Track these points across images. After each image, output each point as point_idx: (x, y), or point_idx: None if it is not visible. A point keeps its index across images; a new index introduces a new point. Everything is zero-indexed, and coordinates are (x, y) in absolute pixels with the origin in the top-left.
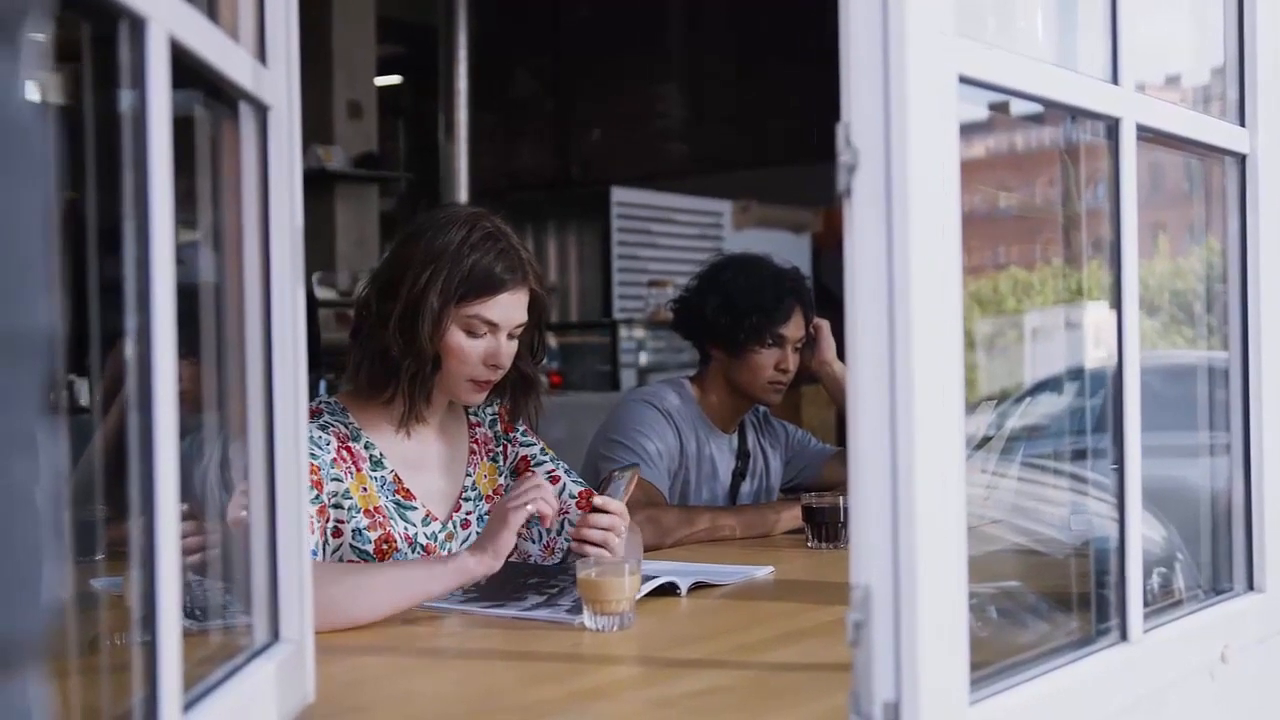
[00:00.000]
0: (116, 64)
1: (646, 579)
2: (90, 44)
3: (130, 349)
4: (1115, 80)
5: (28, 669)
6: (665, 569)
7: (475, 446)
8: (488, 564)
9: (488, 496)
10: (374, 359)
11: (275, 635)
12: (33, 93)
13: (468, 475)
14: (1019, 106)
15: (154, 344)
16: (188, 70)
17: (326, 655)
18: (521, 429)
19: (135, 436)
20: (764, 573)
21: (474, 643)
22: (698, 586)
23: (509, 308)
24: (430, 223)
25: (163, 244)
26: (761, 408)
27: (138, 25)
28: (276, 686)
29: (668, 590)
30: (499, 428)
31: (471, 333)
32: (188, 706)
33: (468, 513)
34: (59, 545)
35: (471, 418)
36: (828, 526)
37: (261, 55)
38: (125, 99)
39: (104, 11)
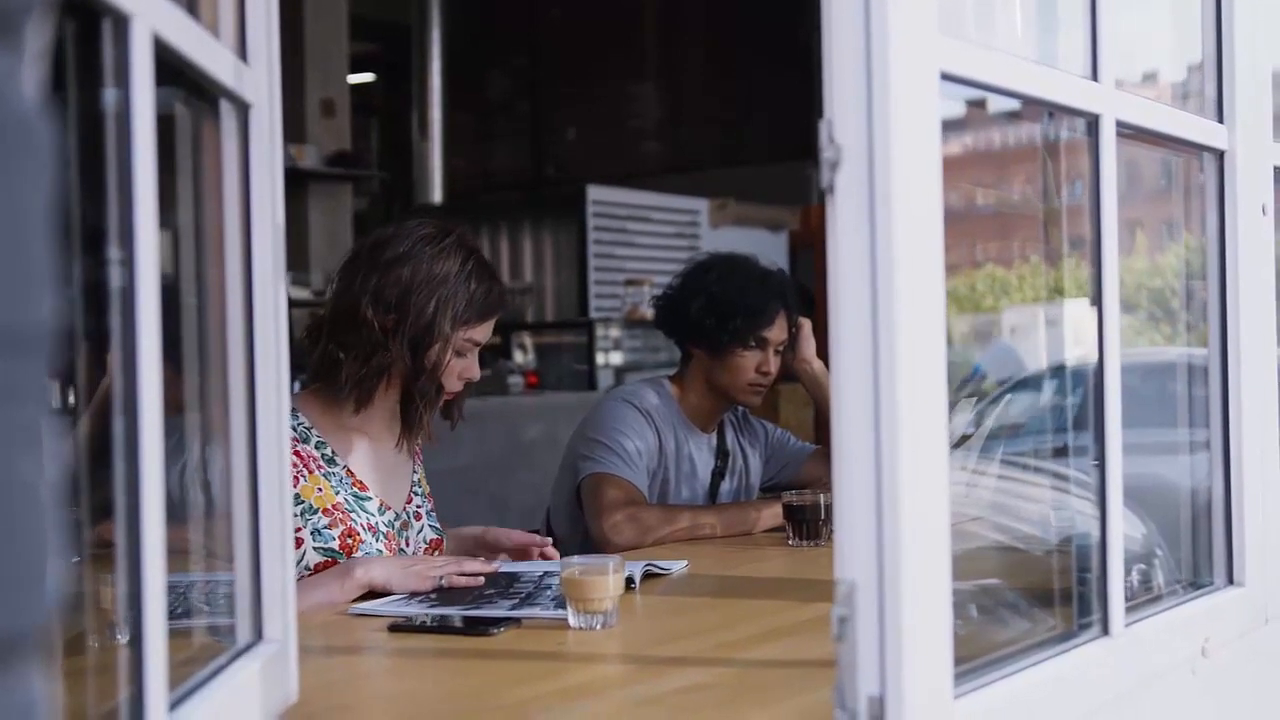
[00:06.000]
0: (99, 61)
1: None
2: (72, 40)
3: (114, 350)
4: (1095, 77)
5: (34, 663)
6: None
7: (417, 449)
8: (380, 577)
9: (428, 495)
10: (376, 376)
11: (259, 635)
12: (35, 90)
13: (415, 472)
14: (996, 103)
15: (138, 344)
16: (169, 67)
17: (310, 655)
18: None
19: (120, 438)
20: (679, 567)
21: (458, 643)
22: (649, 575)
23: (491, 329)
24: (417, 244)
25: (147, 243)
26: (741, 406)
27: (121, 22)
28: (260, 686)
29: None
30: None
31: (459, 353)
32: (173, 706)
33: (418, 506)
34: (61, 540)
35: None
36: (808, 524)
37: (243, 53)
38: (108, 96)
39: (87, 8)
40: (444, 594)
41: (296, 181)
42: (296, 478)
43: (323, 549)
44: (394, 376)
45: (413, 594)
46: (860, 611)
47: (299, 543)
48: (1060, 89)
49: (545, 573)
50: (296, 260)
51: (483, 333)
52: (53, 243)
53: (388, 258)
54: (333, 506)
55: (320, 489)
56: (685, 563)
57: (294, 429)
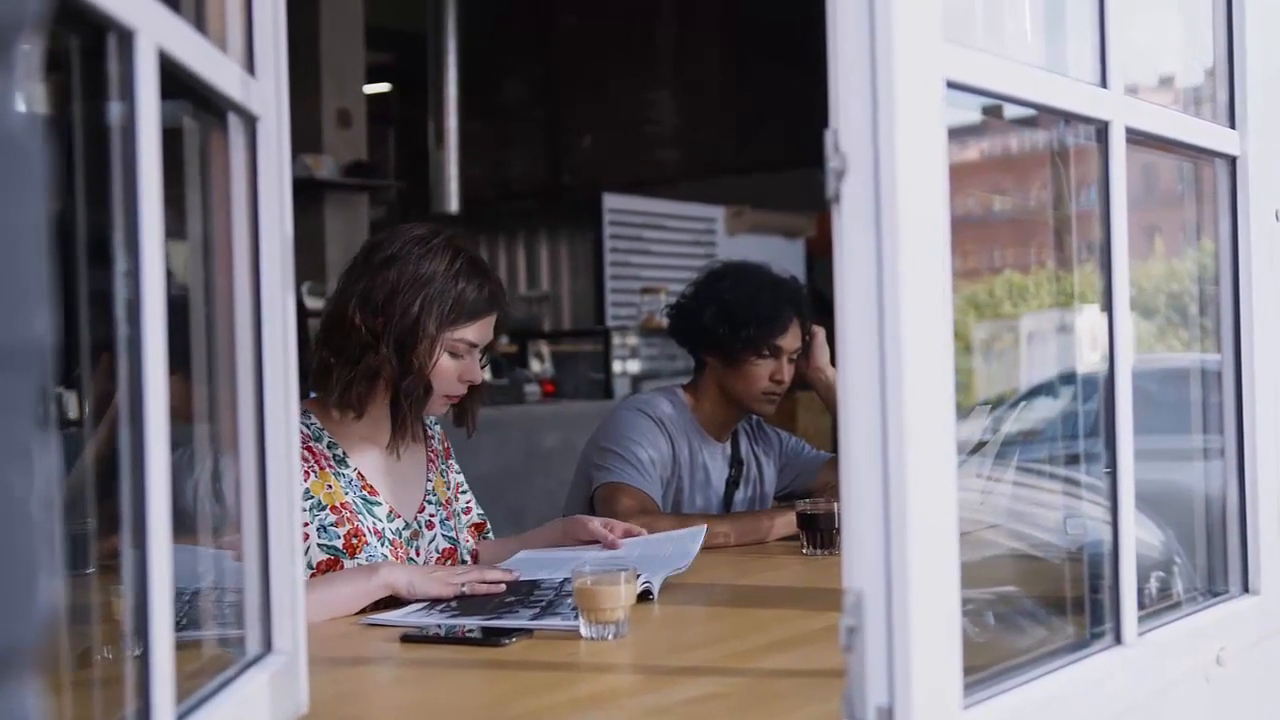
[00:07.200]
0: (105, 75)
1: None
2: (78, 55)
3: (121, 361)
4: (1104, 83)
5: (25, 679)
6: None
7: (432, 455)
8: (403, 581)
9: (444, 503)
10: (365, 379)
11: (268, 646)
12: (27, 105)
13: (428, 480)
14: (1012, 109)
15: (145, 356)
16: (176, 81)
17: (320, 666)
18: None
19: (126, 449)
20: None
21: (470, 653)
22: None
23: (488, 329)
24: (406, 245)
25: (153, 256)
26: (755, 415)
27: (126, 37)
28: (270, 697)
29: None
30: (442, 447)
31: (454, 354)
32: (181, 718)
33: (430, 515)
34: (54, 556)
35: (426, 429)
36: (822, 533)
37: (250, 66)
38: (114, 110)
39: (92, 23)
40: (465, 603)
41: (313, 191)
42: (307, 473)
43: (327, 546)
44: (389, 381)
45: (434, 603)
46: (868, 621)
47: (304, 538)
48: (1068, 96)
49: (565, 579)
50: (314, 270)
51: (475, 333)
52: (47, 260)
53: (378, 260)
54: (341, 505)
55: (330, 486)
56: (703, 527)
57: (307, 428)
